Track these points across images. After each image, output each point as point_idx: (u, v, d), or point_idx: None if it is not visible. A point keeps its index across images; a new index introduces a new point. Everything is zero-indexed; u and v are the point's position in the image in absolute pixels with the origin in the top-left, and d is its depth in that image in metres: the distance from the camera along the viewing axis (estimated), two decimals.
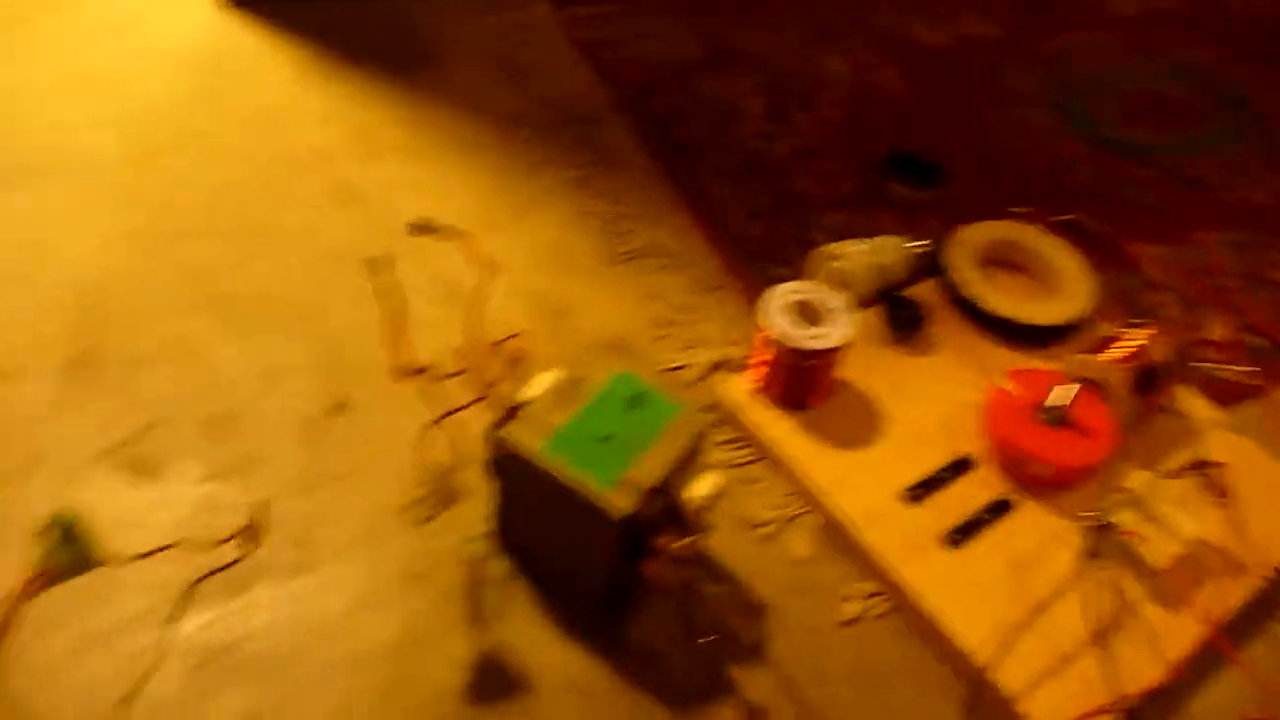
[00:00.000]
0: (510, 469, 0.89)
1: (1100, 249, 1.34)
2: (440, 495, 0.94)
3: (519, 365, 0.93)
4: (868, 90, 1.52)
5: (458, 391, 1.02)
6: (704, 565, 0.97)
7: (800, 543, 1.02)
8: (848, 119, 1.47)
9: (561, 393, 0.90)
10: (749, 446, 1.08)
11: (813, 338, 1.02)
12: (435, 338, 1.08)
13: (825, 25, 1.62)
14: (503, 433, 0.87)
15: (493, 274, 1.13)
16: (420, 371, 1.00)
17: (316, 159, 1.28)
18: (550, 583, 0.94)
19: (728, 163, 1.36)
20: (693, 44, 1.53)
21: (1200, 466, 1.04)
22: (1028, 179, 1.44)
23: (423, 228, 1.14)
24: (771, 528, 1.02)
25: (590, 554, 0.89)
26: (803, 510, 1.04)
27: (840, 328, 1.03)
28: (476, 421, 1.00)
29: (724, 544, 1.00)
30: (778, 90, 1.49)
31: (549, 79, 1.44)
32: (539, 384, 0.91)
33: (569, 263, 1.22)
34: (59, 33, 1.39)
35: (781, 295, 1.04)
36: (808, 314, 1.05)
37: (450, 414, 0.98)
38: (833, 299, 1.05)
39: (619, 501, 0.83)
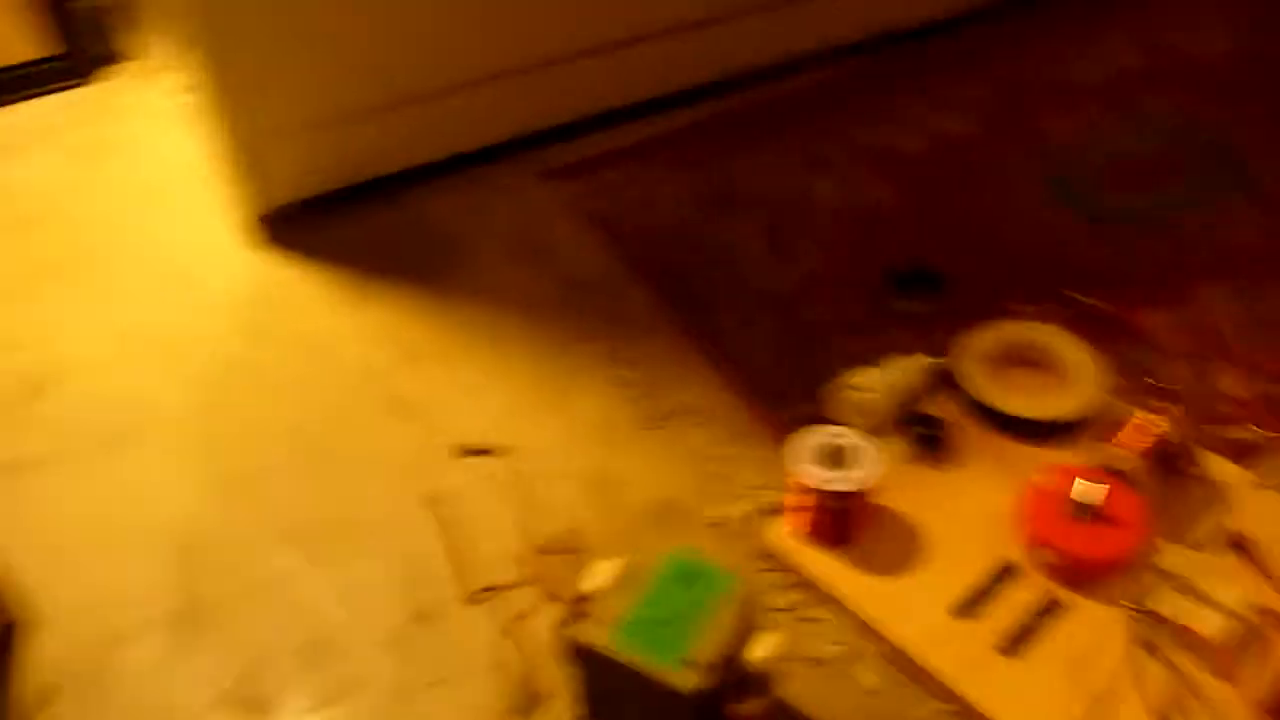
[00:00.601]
0: (586, 661, 0.98)
1: (1108, 327, 1.40)
2: (526, 698, 1.02)
3: (575, 559, 1.02)
4: (862, 208, 1.61)
5: (523, 597, 1.10)
6: (781, 716, 1.03)
7: (868, 673, 1.08)
8: (848, 241, 1.55)
9: (622, 581, 0.98)
10: (805, 587, 1.15)
11: (841, 480, 1.09)
12: (497, 546, 1.17)
13: (813, 152, 1.71)
14: (573, 631, 0.95)
15: (530, 486, 1.22)
16: (488, 590, 1.09)
17: (367, 378, 1.39)
18: None
19: (740, 307, 1.45)
20: (692, 195, 1.64)
21: (1235, 543, 1.08)
22: (1028, 269, 1.51)
23: (473, 451, 1.24)
24: (838, 664, 1.09)
25: None
26: (865, 642, 1.10)
27: (867, 466, 1.10)
28: (544, 621, 1.08)
29: (797, 686, 1.07)
30: (778, 224, 1.58)
31: (566, 256, 1.55)
32: (599, 574, 0.99)
33: (610, 436, 1.31)
34: (107, 290, 1.53)
35: (807, 441, 1.12)
36: (835, 456, 1.12)
37: (518, 620, 1.06)
38: (857, 437, 1.13)
39: (686, 681, 0.91)
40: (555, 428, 1.32)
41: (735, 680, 0.96)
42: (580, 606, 0.97)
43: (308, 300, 1.51)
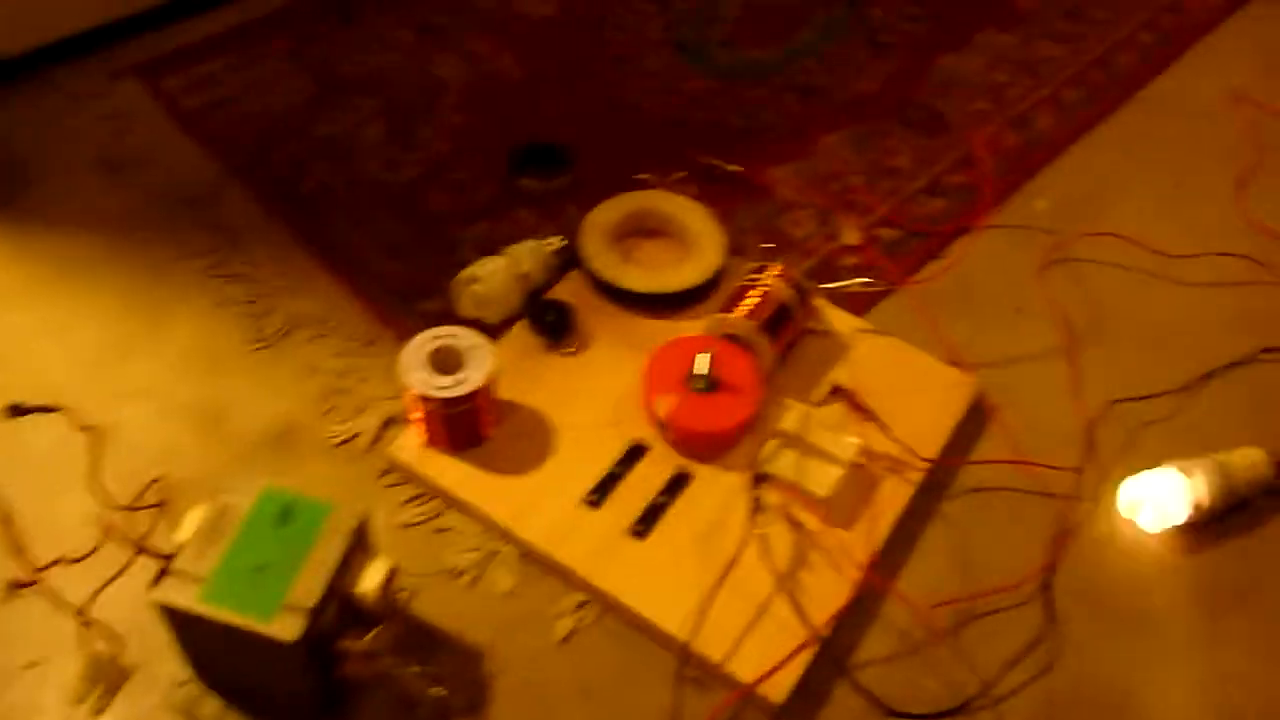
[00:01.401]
0: (178, 623, 0.89)
1: (736, 187, 1.40)
2: (110, 681, 0.93)
3: (166, 511, 0.92)
4: (486, 84, 1.53)
5: (111, 560, 0.99)
6: (405, 645, 0.99)
7: (505, 577, 1.05)
8: (471, 122, 1.47)
9: (209, 530, 0.89)
10: (436, 497, 1.10)
11: (454, 385, 1.03)
12: (78, 508, 1.05)
13: (430, 23, 1.60)
14: (156, 595, 0.86)
15: (100, 438, 1.09)
16: (64, 562, 0.97)
17: None
18: (262, 706, 0.95)
19: (358, 202, 1.35)
20: (302, 84, 1.50)
21: (836, 393, 1.11)
22: (657, 136, 1.48)
23: (16, 410, 1.10)
24: (473, 571, 1.05)
25: (283, 678, 0.90)
26: (498, 545, 1.07)
27: (479, 367, 1.05)
28: (135, 585, 0.98)
29: (431, 601, 1.03)
30: (395, 108, 1.47)
31: (156, 165, 1.39)
32: (188, 525, 0.90)
33: (216, 362, 1.19)
34: None
35: (416, 349, 1.06)
36: (448, 359, 1.06)
37: (100, 592, 0.96)
38: (468, 337, 1.07)
39: (285, 631, 0.84)
40: (152, 361, 1.19)
41: (350, 615, 0.91)
42: (166, 564, 0.88)
43: None
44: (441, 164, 1.41)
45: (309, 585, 0.86)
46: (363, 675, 0.90)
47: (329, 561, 0.88)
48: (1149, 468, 1.13)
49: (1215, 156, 1.52)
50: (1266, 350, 1.29)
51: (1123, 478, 1.14)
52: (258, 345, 1.21)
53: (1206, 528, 1.13)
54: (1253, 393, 1.25)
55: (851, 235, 1.35)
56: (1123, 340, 1.30)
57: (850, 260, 1.34)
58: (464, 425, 1.07)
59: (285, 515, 0.90)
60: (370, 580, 0.90)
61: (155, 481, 0.93)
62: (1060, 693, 1.01)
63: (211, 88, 1.48)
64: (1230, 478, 1.11)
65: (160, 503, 0.92)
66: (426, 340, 1.06)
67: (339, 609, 0.90)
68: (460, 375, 1.04)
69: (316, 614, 0.85)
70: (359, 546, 0.92)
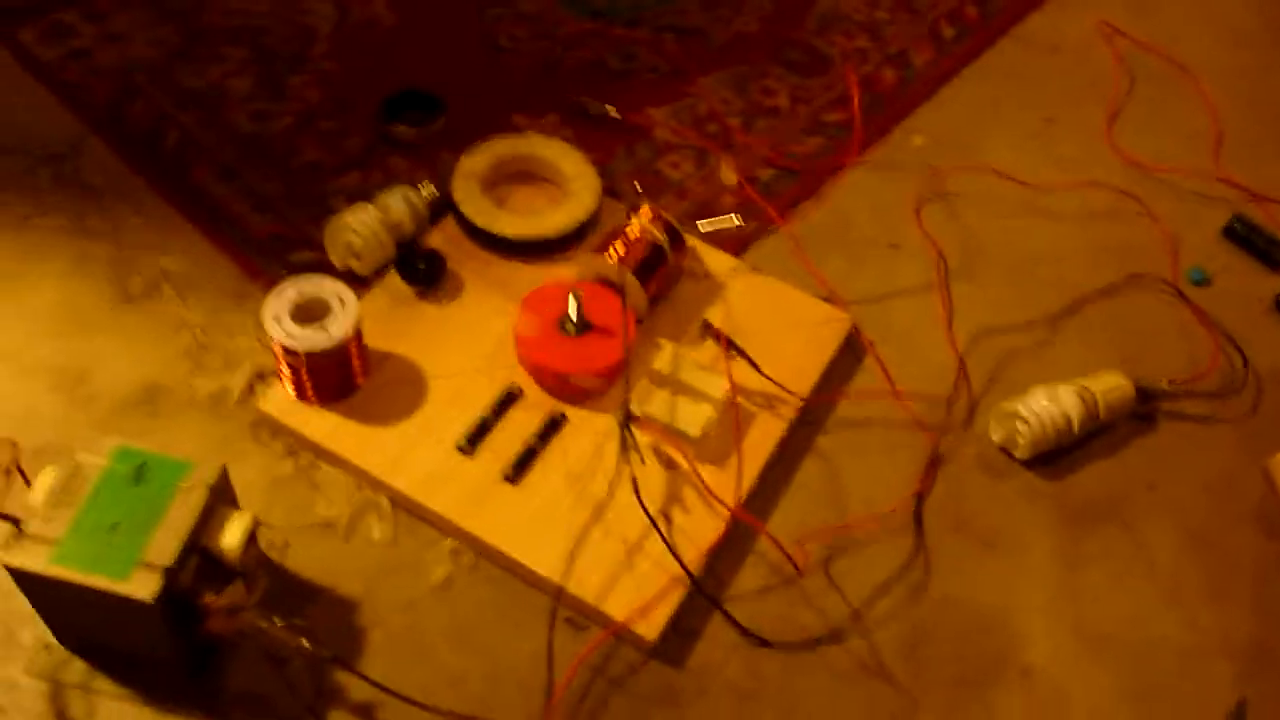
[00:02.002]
0: (33, 587, 0.87)
1: (613, 129, 1.39)
2: None
3: (11, 474, 0.90)
4: (357, 31, 1.49)
5: None
6: (276, 600, 0.98)
7: (378, 527, 1.05)
8: (343, 70, 1.44)
9: (61, 491, 0.87)
10: (309, 450, 1.09)
11: (318, 335, 1.02)
12: None
13: None
14: (6, 558, 0.84)
15: None
16: None
17: None
18: (130, 666, 0.94)
19: (226, 155, 1.32)
20: (166, 33, 1.45)
21: (708, 331, 1.12)
22: (530, 79, 1.46)
23: None
24: (347, 523, 1.05)
25: (147, 636, 0.89)
26: (372, 496, 1.06)
27: (345, 317, 1.03)
28: None
29: (304, 554, 1.02)
30: (265, 58, 1.43)
31: (11, 120, 1.33)
32: (39, 487, 0.88)
33: (77, 321, 1.16)
34: None
35: (276, 302, 1.04)
36: (313, 309, 1.05)
37: None
38: (330, 286, 1.05)
39: (140, 590, 0.83)
40: (10, 322, 1.15)
41: (213, 572, 0.90)
42: (17, 525, 0.86)
43: None
44: (312, 114, 1.38)
45: (165, 542, 0.85)
46: (227, 631, 0.89)
47: (186, 518, 0.87)
48: (1018, 396, 1.16)
49: (1087, 91, 1.55)
50: (1131, 277, 1.32)
51: (992, 406, 1.17)
52: (122, 303, 1.18)
53: (1071, 451, 1.16)
54: (1116, 320, 1.29)
55: (729, 176, 1.35)
56: (995, 273, 1.32)
57: (728, 201, 1.34)
58: (332, 376, 1.06)
59: (140, 474, 0.89)
60: (231, 535, 0.89)
61: (9, 443, 0.90)
62: (928, 617, 1.04)
63: (69, 38, 1.42)
64: (1094, 402, 1.14)
65: (15, 465, 0.90)
66: (288, 290, 1.05)
67: (200, 566, 0.88)
68: (323, 325, 1.03)
69: (174, 571, 0.84)
70: (219, 501, 0.90)
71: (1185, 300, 1.31)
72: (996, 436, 1.16)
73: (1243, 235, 1.36)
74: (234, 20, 1.48)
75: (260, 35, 1.46)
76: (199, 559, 0.88)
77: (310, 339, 1.02)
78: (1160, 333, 1.28)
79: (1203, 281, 1.33)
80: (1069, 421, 1.12)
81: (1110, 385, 1.16)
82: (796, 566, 1.04)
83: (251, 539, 0.91)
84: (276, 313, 1.03)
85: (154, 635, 0.88)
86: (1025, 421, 1.12)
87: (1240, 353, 1.26)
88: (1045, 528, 1.11)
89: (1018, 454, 1.14)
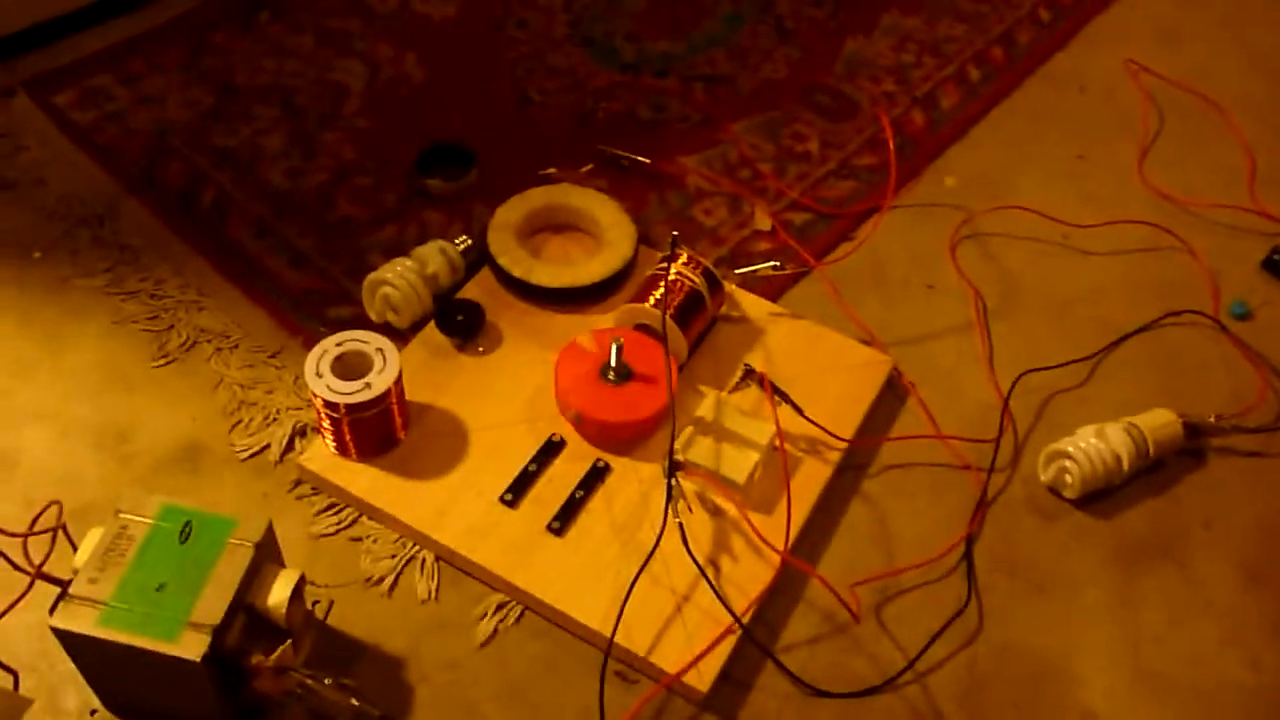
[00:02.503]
0: (80, 651, 0.86)
1: (645, 179, 1.39)
2: (7, 713, 0.90)
3: (56, 536, 0.89)
4: (390, 87, 1.50)
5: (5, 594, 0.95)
6: (321, 658, 0.97)
7: (421, 583, 1.03)
8: (376, 125, 1.45)
9: (107, 552, 0.87)
10: (350, 506, 1.08)
11: (359, 389, 1.01)
12: None
13: (329, 30, 1.58)
14: (54, 621, 0.83)
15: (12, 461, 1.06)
16: None
17: None
18: None
19: (261, 212, 1.32)
20: (198, 93, 1.47)
21: (749, 377, 1.11)
22: (561, 131, 1.47)
23: None
24: (390, 578, 1.03)
25: (192, 699, 0.87)
26: (415, 551, 1.05)
27: (385, 370, 1.03)
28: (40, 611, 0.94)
29: (348, 611, 1.01)
30: (297, 116, 1.45)
31: (50, 182, 1.35)
32: (85, 548, 0.88)
33: (117, 380, 1.16)
34: None
35: (319, 356, 1.04)
36: (354, 364, 1.04)
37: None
38: (371, 340, 1.05)
39: (189, 650, 0.82)
40: (51, 383, 1.16)
41: (259, 630, 0.88)
42: (63, 588, 0.85)
43: None
44: (346, 170, 1.38)
45: (212, 602, 0.84)
46: (274, 691, 0.88)
47: (233, 576, 0.86)
48: (1064, 434, 1.14)
49: (1116, 127, 1.55)
50: (1171, 314, 1.31)
51: (1039, 446, 1.15)
52: (161, 361, 1.18)
53: (1121, 490, 1.14)
54: (1159, 356, 1.27)
55: (763, 221, 1.35)
56: (1032, 311, 1.31)
57: (763, 246, 1.34)
58: (373, 431, 1.05)
59: (186, 532, 0.88)
60: (278, 593, 0.88)
61: (54, 504, 0.89)
62: (984, 662, 1.02)
63: (104, 102, 1.44)
64: (1143, 440, 1.12)
65: (60, 526, 0.89)
66: (330, 346, 1.04)
67: (247, 624, 0.87)
68: (366, 379, 1.02)
69: (221, 631, 0.83)
70: (265, 559, 0.90)
71: (1228, 334, 1.29)
72: (1045, 477, 1.14)
73: None
74: (265, 80, 1.49)
75: (291, 94, 1.47)
76: (245, 618, 0.87)
77: (351, 393, 1.01)
78: (1204, 368, 1.26)
79: (1245, 315, 1.31)
80: (1118, 459, 1.11)
81: (1159, 422, 1.14)
82: (852, 612, 1.02)
83: (298, 596, 0.89)
84: (319, 367, 1.03)
85: (200, 696, 0.87)
86: (1074, 460, 1.10)
87: None
88: (1098, 568, 1.09)
89: (1067, 494, 1.13)
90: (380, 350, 1.04)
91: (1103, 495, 1.14)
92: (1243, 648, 1.04)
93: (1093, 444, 1.11)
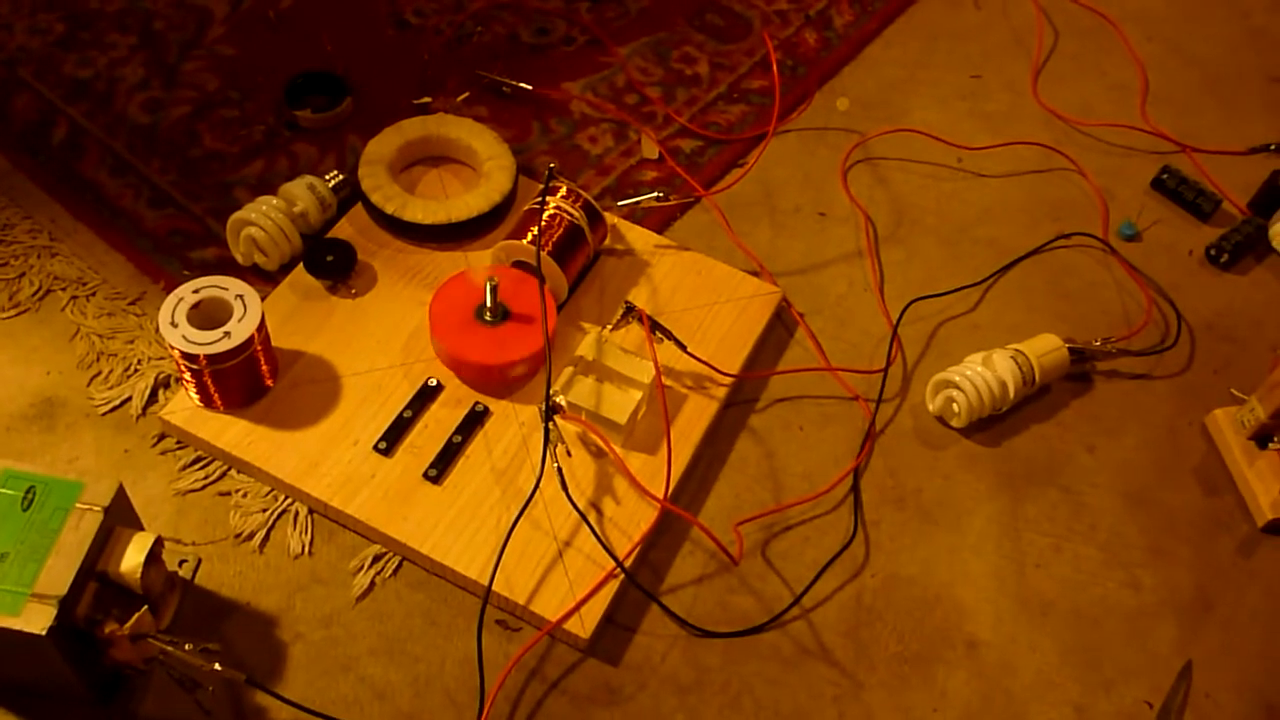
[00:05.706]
0: None
1: (529, 105, 1.34)
2: None
3: None
4: (256, 10, 1.42)
5: None
6: (187, 621, 0.93)
7: (294, 537, 1.00)
8: (241, 52, 1.37)
9: None
10: (216, 461, 1.03)
11: (219, 339, 0.96)
12: None
13: None
14: None
15: None
16: None
17: None
18: (34, 700, 0.89)
19: (117, 149, 1.25)
20: (47, 19, 1.37)
21: (631, 313, 1.07)
22: (439, 59, 1.40)
23: None
24: (261, 534, 1.00)
25: (45, 672, 0.83)
26: (287, 504, 1.01)
27: (245, 317, 0.98)
28: None
29: (217, 569, 0.97)
30: (155, 43, 1.36)
31: None
32: None
33: None
34: None
35: (174, 303, 0.98)
36: (214, 311, 0.99)
37: None
38: (231, 285, 0.99)
39: (33, 624, 0.78)
40: None
41: (114, 597, 0.84)
42: None
43: None
44: (209, 101, 1.31)
45: (58, 571, 0.80)
46: (135, 660, 0.84)
47: (80, 543, 0.82)
48: (953, 362, 1.13)
49: (1011, 45, 1.52)
50: (1061, 236, 1.30)
51: (928, 374, 1.14)
52: (11, 312, 1.12)
53: (1008, 417, 1.14)
54: (1050, 280, 1.27)
55: (650, 149, 1.31)
56: (925, 237, 1.29)
57: (650, 175, 1.30)
58: (237, 381, 1.00)
59: (29, 498, 0.83)
60: (131, 558, 0.84)
61: None
62: (870, 595, 1.02)
63: None
64: (1029, 366, 1.12)
65: None
66: (186, 293, 0.99)
67: (99, 592, 0.83)
68: (225, 328, 0.97)
69: (68, 601, 0.79)
70: (116, 523, 0.85)
71: (1117, 256, 1.29)
72: (933, 407, 1.13)
73: (1172, 187, 1.35)
74: (120, 5, 1.39)
75: (148, 19, 1.38)
76: (97, 586, 0.83)
77: (210, 343, 0.96)
78: (1095, 290, 1.26)
79: (1134, 236, 1.31)
80: (1004, 387, 1.10)
81: (1045, 348, 1.14)
82: (730, 556, 1.01)
83: (155, 560, 0.85)
84: (174, 316, 0.97)
85: (52, 669, 0.83)
86: (961, 390, 1.10)
87: (1174, 306, 1.24)
88: (985, 496, 1.09)
89: (954, 423, 1.12)
90: (240, 296, 0.99)
91: (990, 422, 1.13)
92: (1123, 569, 1.06)
93: (979, 372, 1.10)
